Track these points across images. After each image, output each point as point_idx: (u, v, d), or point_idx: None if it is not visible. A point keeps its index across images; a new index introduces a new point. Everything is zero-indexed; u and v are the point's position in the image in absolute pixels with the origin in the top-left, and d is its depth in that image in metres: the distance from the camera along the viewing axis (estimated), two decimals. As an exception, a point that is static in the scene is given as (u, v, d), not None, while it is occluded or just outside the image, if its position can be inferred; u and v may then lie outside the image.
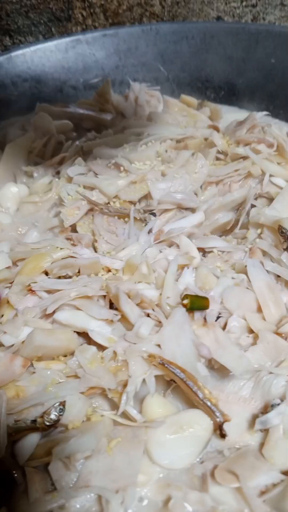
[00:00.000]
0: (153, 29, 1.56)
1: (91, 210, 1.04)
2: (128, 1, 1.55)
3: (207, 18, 1.63)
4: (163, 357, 0.70)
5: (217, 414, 0.70)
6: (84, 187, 1.08)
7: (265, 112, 1.21)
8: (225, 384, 0.76)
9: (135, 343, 0.72)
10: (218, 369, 0.77)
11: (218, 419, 0.70)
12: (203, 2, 1.63)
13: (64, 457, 0.63)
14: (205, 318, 0.78)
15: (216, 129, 1.20)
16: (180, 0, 1.59)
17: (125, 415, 0.70)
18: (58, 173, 1.20)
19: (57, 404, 0.66)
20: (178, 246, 0.94)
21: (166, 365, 0.70)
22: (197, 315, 0.79)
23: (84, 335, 0.78)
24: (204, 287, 0.83)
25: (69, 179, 1.13)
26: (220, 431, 0.69)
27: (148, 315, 0.79)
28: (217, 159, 1.15)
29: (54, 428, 0.68)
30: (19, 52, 1.51)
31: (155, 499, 0.66)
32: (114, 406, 0.73)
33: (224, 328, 0.80)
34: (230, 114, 1.42)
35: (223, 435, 0.69)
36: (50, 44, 1.53)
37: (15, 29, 1.49)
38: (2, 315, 0.80)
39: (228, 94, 1.55)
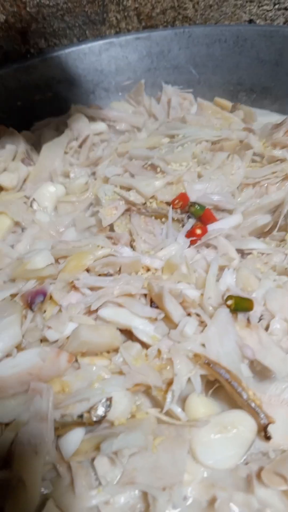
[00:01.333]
0: (186, 32, 1.57)
1: (128, 210, 1.04)
2: (162, 4, 1.56)
3: (239, 21, 1.63)
4: (208, 357, 0.70)
5: (261, 415, 0.69)
6: (121, 187, 1.09)
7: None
8: (266, 386, 0.76)
9: (179, 342, 0.72)
10: (260, 371, 0.77)
11: (262, 421, 0.69)
12: (235, 5, 1.63)
13: (112, 452, 0.64)
14: (248, 320, 0.78)
15: (252, 131, 1.20)
16: (213, 3, 1.59)
17: (168, 413, 0.70)
18: (94, 173, 1.21)
19: (104, 400, 0.66)
20: (216, 247, 0.94)
21: (211, 365, 0.70)
22: (240, 316, 0.78)
23: (126, 333, 0.79)
24: (246, 289, 0.83)
25: (106, 180, 1.14)
26: (264, 433, 0.69)
27: (189, 315, 0.79)
28: (253, 161, 1.15)
29: (99, 424, 0.68)
30: (54, 54, 1.53)
31: (200, 499, 0.66)
32: (157, 404, 0.73)
33: (266, 330, 0.79)
34: (262, 117, 1.42)
35: (267, 437, 0.69)
36: (84, 47, 1.55)
37: (50, 32, 1.51)
38: (45, 311, 0.81)
39: (260, 97, 1.54)
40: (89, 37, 1.59)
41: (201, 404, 0.71)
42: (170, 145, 1.18)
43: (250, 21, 1.68)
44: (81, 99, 1.55)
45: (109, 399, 0.66)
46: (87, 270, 0.86)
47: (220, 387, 0.74)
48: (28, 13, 1.42)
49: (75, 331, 0.73)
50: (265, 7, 1.68)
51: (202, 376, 0.73)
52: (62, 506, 0.64)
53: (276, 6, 1.69)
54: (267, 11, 1.69)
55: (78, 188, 1.15)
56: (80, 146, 1.27)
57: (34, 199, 1.13)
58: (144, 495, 0.65)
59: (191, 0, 1.56)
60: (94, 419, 0.65)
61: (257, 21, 1.70)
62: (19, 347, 0.75)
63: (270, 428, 0.69)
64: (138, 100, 1.50)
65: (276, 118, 1.39)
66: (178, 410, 0.69)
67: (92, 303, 0.77)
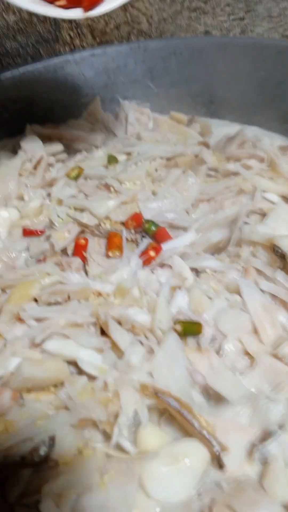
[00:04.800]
0: (141, 46, 1.56)
1: (82, 232, 1.02)
2: (115, 19, 1.56)
3: (195, 33, 1.64)
4: (156, 387, 0.68)
5: (214, 443, 0.67)
6: (75, 208, 1.07)
7: (255, 127, 1.20)
8: (221, 411, 0.74)
9: (126, 372, 0.70)
10: (214, 395, 0.75)
11: (215, 449, 0.67)
12: (190, 17, 1.64)
13: (55, 495, 0.61)
14: (198, 343, 0.76)
15: (206, 145, 1.19)
16: (167, 16, 1.60)
17: (118, 447, 0.68)
18: (49, 195, 1.19)
19: (46, 439, 0.63)
20: (171, 266, 0.93)
21: (159, 395, 0.68)
22: (190, 340, 0.77)
23: (75, 364, 0.76)
24: (197, 310, 0.81)
25: (60, 202, 1.12)
26: (218, 462, 0.67)
27: (141, 342, 0.77)
28: (208, 176, 1.14)
29: (44, 464, 0.65)
30: (8, 74, 1.51)
31: (151, 537, 0.64)
32: (108, 436, 0.71)
33: (218, 351, 0.77)
34: (222, 128, 1.42)
35: (221, 466, 0.66)
36: (39, 66, 1.52)
37: (3, 52, 1.49)
38: (-9, 346, 0.78)
39: (219, 108, 1.54)
40: (43, 55, 1.58)
41: (152, 435, 0.69)
42: (125, 163, 1.17)
43: (206, 32, 1.69)
44: (39, 118, 1.53)
45: (52, 438, 0.63)
46: (35, 300, 0.84)
47: (172, 415, 0.72)
48: (-21, 34, 1.41)
49: (18, 368, 0.70)
50: (220, 18, 1.69)
51: (152, 405, 0.70)
52: None
53: (231, 17, 1.70)
54: (223, 21, 1.70)
55: (32, 211, 1.13)
56: (35, 168, 1.25)
57: (-13, 225, 1.10)
58: (93, 537, 0.63)
59: (144, 14, 1.55)
60: (36, 460, 0.62)
61: (213, 32, 1.71)
62: None
63: (224, 456, 0.67)
64: (96, 117, 1.48)
65: (236, 128, 1.38)
66: (126, 443, 0.67)
67: (36, 335, 0.74)
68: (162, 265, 0.94)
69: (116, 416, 0.68)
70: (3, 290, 0.87)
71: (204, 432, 0.68)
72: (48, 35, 1.51)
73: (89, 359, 0.73)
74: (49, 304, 0.83)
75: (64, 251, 1.00)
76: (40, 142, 1.26)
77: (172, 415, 0.72)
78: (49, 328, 0.75)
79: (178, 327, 0.74)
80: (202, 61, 1.54)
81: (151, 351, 0.74)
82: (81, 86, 1.59)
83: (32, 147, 1.25)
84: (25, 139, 1.28)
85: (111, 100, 1.58)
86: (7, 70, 1.52)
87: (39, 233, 1.10)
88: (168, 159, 1.16)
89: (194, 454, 0.67)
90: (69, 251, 1.00)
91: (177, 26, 1.62)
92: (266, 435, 0.69)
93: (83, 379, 0.71)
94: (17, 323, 0.79)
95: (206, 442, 0.68)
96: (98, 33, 1.57)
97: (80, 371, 0.75)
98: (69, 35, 1.54)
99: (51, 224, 1.09)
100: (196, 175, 1.10)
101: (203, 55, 1.53)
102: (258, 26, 1.71)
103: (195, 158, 1.17)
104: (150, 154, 1.15)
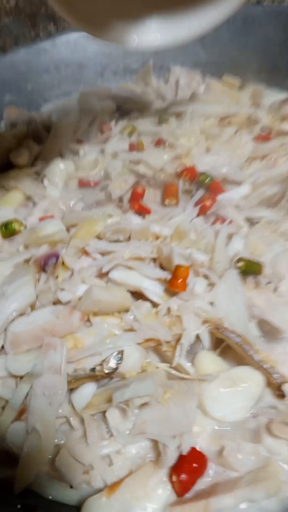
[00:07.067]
0: (194, 14, 1.57)
1: (137, 183, 1.06)
2: (169, -13, 1.57)
3: (248, 1, 1.63)
4: (218, 323, 0.71)
5: (275, 376, 0.71)
6: (130, 162, 1.11)
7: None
8: (275, 347, 0.77)
9: (188, 300, 0.74)
10: (268, 332, 0.78)
11: (276, 380, 0.70)
12: (243, -13, 1.63)
13: (123, 401, 0.65)
14: (256, 281, 0.79)
15: (259, 106, 1.21)
16: (220, -15, 1.60)
17: (178, 369, 0.72)
18: (102, 151, 1.23)
19: (115, 353, 0.68)
20: (224, 218, 0.95)
21: (221, 330, 0.71)
22: (249, 279, 0.80)
23: (136, 296, 0.81)
24: (254, 253, 0.84)
25: (115, 155, 1.16)
26: (278, 392, 0.70)
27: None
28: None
29: (111, 378, 0.70)
30: (63, 38, 1.55)
31: (209, 449, 0.68)
32: (167, 362, 0.75)
33: (275, 291, 0.80)
34: (271, 97, 1.42)
35: (282, 396, 0.70)
36: (93, 30, 1.56)
37: (59, 15, 1.53)
38: (57, 276, 0.83)
39: (268, 77, 1.54)
40: (97, 20, 1.61)
41: (210, 361, 0.73)
42: (179, 121, 1.19)
43: (258, 2, 1.69)
44: (90, 81, 1.57)
45: (121, 352, 0.68)
46: (98, 238, 0.88)
47: (228, 346, 0.75)
48: (38, -3, 1.44)
49: (87, 291, 0.75)
50: (272, -11, 1.68)
51: (211, 334, 0.74)
52: (75, 455, 0.66)
53: (284, -12, 1.69)
54: (275, -8, 1.69)
55: (87, 165, 1.17)
56: (89, 125, 1.29)
57: (45, 175, 1.15)
58: (155, 445, 0.67)
59: (198, -19, 1.56)
60: (106, 371, 0.67)
61: (265, 3, 1.71)
62: (33, 308, 0.77)
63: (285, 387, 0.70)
64: (146, 82, 1.51)
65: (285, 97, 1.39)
66: (187, 364, 0.71)
67: (103, 265, 0.79)
68: (216, 216, 0.97)
69: (178, 339, 0.72)
70: (67, 230, 0.92)
71: (265, 365, 0.71)
72: None
73: (153, 288, 0.77)
74: (111, 242, 0.88)
75: (120, 200, 1.04)
76: (96, 100, 1.30)
77: (228, 346, 0.75)
78: (115, 259, 0.79)
79: (240, 264, 0.77)
80: (254, 30, 1.54)
81: (211, 285, 0.78)
82: (132, 52, 1.61)
83: (87, 105, 1.29)
84: (80, 97, 1.32)
85: (160, 67, 1.60)
86: (62, 33, 1.56)
87: (94, 184, 1.14)
88: (222, 118, 1.18)
89: (250, 379, 0.71)
90: (125, 200, 1.04)
91: (230, -5, 1.62)
92: None
93: (148, 304, 0.75)
94: (83, 257, 0.84)
95: (267, 373, 0.71)
96: (152, -1, 1.58)
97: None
98: (124, 0, 1.56)
99: (106, 176, 1.13)
100: (250, 134, 1.12)
101: (255, 23, 1.53)
102: (310, -2, 1.69)
103: (248, 119, 1.19)
104: (204, 112, 1.18)
